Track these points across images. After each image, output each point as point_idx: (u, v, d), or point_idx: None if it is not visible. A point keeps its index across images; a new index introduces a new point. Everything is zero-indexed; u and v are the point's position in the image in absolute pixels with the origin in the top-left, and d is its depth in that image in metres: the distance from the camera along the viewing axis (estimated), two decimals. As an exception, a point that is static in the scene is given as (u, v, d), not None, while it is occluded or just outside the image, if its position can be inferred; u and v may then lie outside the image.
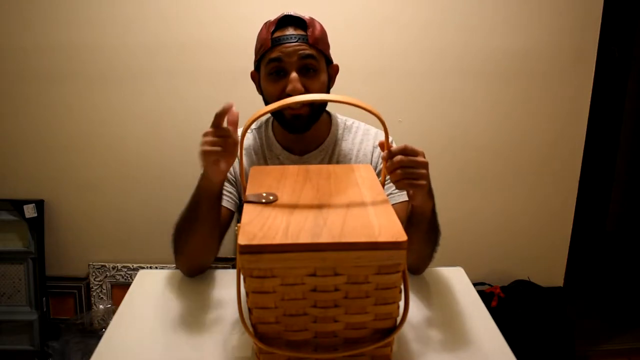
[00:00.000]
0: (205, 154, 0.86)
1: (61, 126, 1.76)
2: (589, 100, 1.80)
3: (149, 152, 1.79)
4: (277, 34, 1.06)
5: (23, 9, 1.66)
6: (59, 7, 1.66)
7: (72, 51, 1.70)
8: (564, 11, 1.71)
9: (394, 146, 0.84)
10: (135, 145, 1.79)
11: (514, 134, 1.83)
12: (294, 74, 1.04)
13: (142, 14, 1.67)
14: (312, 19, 1.09)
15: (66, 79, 1.72)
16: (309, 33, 1.06)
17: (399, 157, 0.82)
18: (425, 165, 0.85)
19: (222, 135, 0.85)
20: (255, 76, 1.16)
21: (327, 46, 1.13)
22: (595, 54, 1.75)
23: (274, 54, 1.05)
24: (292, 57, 1.04)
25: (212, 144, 0.85)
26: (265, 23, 1.10)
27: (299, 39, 1.05)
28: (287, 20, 1.08)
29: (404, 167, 0.82)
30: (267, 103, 1.10)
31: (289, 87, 1.04)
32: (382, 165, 0.88)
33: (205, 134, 0.87)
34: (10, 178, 1.80)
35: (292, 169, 0.93)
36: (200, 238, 0.99)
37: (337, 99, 0.75)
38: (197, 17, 1.68)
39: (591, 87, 1.79)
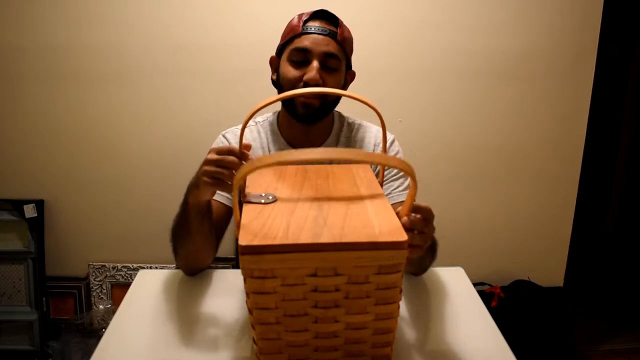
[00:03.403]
0: (206, 182, 0.83)
1: (61, 126, 1.76)
2: (589, 100, 1.80)
3: (149, 152, 1.79)
4: (309, 24, 1.09)
5: (23, 9, 1.66)
6: (59, 7, 1.66)
7: (72, 51, 1.70)
8: (564, 11, 1.71)
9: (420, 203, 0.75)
10: (135, 145, 1.79)
11: (514, 133, 1.83)
12: (315, 63, 1.06)
13: (142, 14, 1.67)
14: (343, 22, 1.13)
15: (66, 79, 1.72)
16: (339, 31, 1.09)
17: (422, 222, 0.74)
18: (433, 230, 0.77)
19: (232, 166, 0.82)
20: (274, 61, 1.17)
21: (351, 50, 1.16)
22: (595, 54, 1.75)
23: (302, 42, 1.07)
24: (318, 48, 1.07)
25: (219, 173, 0.82)
26: (299, 14, 1.13)
27: (329, 33, 1.08)
28: (321, 14, 1.11)
29: (422, 228, 0.74)
30: (280, 89, 1.13)
31: (309, 75, 1.05)
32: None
33: (215, 160, 0.82)
34: (10, 178, 1.80)
35: (291, 169, 0.93)
36: (194, 246, 1.00)
37: (339, 92, 0.74)
38: (197, 17, 1.68)
39: (591, 87, 1.79)
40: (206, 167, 0.83)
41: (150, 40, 1.69)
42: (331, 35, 1.08)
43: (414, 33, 1.72)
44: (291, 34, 1.10)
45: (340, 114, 1.23)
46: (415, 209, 0.74)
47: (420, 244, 0.74)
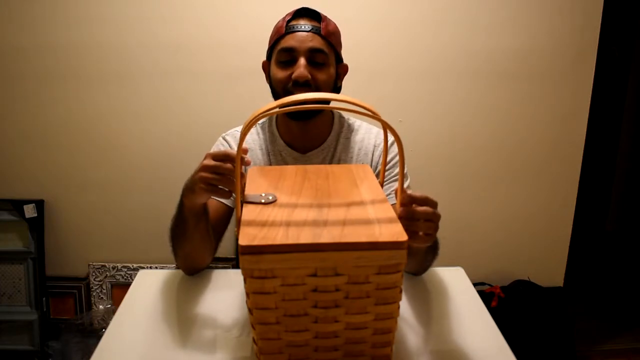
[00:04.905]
0: (202, 188, 0.83)
1: (61, 126, 1.76)
2: (589, 100, 1.80)
3: (149, 152, 1.79)
4: (291, 23, 1.10)
5: (23, 9, 1.66)
6: (59, 7, 1.66)
7: (72, 51, 1.70)
8: (564, 11, 1.71)
9: (414, 193, 0.77)
10: (135, 145, 1.79)
11: (514, 133, 1.83)
12: (302, 60, 1.06)
13: (142, 14, 1.67)
14: (326, 16, 1.13)
15: (66, 78, 1.72)
16: (322, 26, 1.10)
17: (426, 208, 0.76)
18: (439, 218, 0.79)
19: (228, 173, 0.82)
20: (266, 65, 1.18)
21: (339, 43, 1.16)
22: (595, 54, 1.75)
23: (286, 42, 1.08)
24: (303, 45, 1.07)
25: (215, 179, 0.82)
26: (284, 16, 1.13)
27: (312, 29, 1.08)
28: (303, 12, 1.11)
29: (427, 221, 0.76)
30: (273, 91, 1.13)
31: (296, 73, 1.06)
32: (381, 165, 0.88)
33: (211, 167, 0.82)
34: (10, 178, 1.80)
35: (291, 169, 0.93)
36: (192, 246, 1.00)
37: (338, 97, 0.73)
38: (197, 17, 1.68)
39: (591, 87, 1.79)
40: (202, 174, 0.83)
41: (150, 40, 1.69)
42: (315, 30, 1.08)
43: (414, 33, 1.72)
44: (276, 36, 1.11)
45: (340, 115, 1.23)
46: (411, 200, 0.75)
47: (428, 232, 0.75)
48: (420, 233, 0.76)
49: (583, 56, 1.75)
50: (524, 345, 1.71)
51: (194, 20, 1.68)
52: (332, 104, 1.17)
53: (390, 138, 1.18)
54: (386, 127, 0.69)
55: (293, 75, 1.06)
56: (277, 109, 0.67)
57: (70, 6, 1.66)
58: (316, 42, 1.08)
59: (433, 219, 0.77)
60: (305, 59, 1.07)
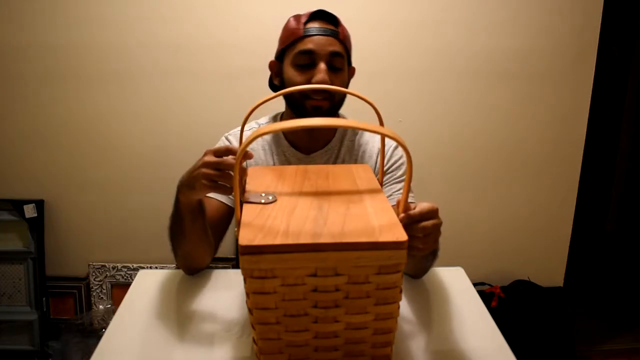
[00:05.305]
0: (205, 185, 0.83)
1: (61, 126, 1.76)
2: (589, 100, 1.80)
3: (149, 152, 1.79)
4: (309, 25, 1.08)
5: (23, 9, 1.66)
6: (59, 7, 1.66)
7: (72, 51, 1.70)
8: (564, 11, 1.71)
9: (414, 209, 0.75)
10: (135, 145, 1.79)
11: (514, 133, 1.83)
12: (322, 65, 1.05)
13: (142, 14, 1.67)
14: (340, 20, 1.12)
15: (66, 78, 1.72)
16: (339, 30, 1.09)
17: (424, 224, 0.75)
18: (440, 225, 0.78)
19: (230, 168, 0.81)
20: (274, 65, 1.16)
21: (351, 47, 1.16)
22: (595, 54, 1.75)
23: (306, 45, 1.06)
24: (323, 49, 1.06)
25: (217, 176, 0.82)
26: (294, 16, 1.11)
27: (331, 33, 1.07)
28: (319, 14, 1.09)
29: (427, 235, 0.75)
30: (287, 94, 1.12)
31: (318, 77, 1.05)
32: (381, 169, 0.88)
33: (213, 163, 0.82)
34: (10, 178, 1.80)
35: (291, 169, 0.93)
36: (191, 244, 1.00)
37: (351, 92, 0.71)
38: (197, 17, 1.68)
39: (591, 87, 1.79)
40: (204, 170, 0.82)
41: (150, 40, 1.69)
42: (333, 34, 1.07)
43: (414, 33, 1.72)
44: (292, 38, 1.08)
45: (344, 116, 1.23)
46: (410, 220, 0.73)
47: (423, 246, 0.74)
48: (421, 246, 0.75)
49: (583, 56, 1.76)
50: (524, 345, 1.71)
51: (194, 20, 1.68)
52: (341, 108, 1.17)
53: (393, 143, 1.17)
54: (407, 153, 0.66)
55: (313, 80, 1.05)
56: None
57: (70, 6, 1.66)
58: (336, 47, 1.07)
59: (432, 232, 0.76)
60: (325, 63, 1.06)
